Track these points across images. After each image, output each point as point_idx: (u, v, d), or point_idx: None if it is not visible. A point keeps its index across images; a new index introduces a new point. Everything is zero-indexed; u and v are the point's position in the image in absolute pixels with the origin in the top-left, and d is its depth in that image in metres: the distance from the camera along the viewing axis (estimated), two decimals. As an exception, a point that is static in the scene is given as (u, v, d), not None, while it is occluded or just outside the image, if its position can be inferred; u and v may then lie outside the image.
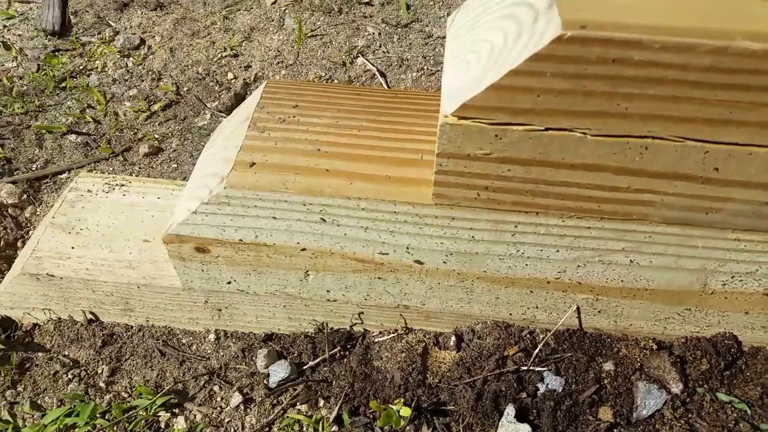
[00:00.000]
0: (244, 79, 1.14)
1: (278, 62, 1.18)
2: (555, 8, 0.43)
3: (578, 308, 0.65)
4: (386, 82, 1.10)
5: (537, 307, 0.66)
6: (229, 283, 0.67)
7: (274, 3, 1.27)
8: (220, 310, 0.72)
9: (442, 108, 0.49)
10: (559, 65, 0.43)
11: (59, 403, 0.72)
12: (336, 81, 1.14)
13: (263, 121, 0.63)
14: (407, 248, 0.59)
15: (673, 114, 0.45)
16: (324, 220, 0.58)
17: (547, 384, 0.64)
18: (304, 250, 0.61)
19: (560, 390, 0.64)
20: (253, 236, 0.60)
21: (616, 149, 0.48)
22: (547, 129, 0.47)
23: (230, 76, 1.15)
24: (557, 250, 0.58)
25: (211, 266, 0.65)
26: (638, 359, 0.66)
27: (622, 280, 0.61)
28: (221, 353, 0.75)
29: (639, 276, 0.60)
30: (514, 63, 0.44)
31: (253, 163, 0.58)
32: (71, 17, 1.26)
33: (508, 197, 0.53)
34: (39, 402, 0.73)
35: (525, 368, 0.65)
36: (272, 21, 1.27)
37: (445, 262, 0.61)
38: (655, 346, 0.67)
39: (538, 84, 0.44)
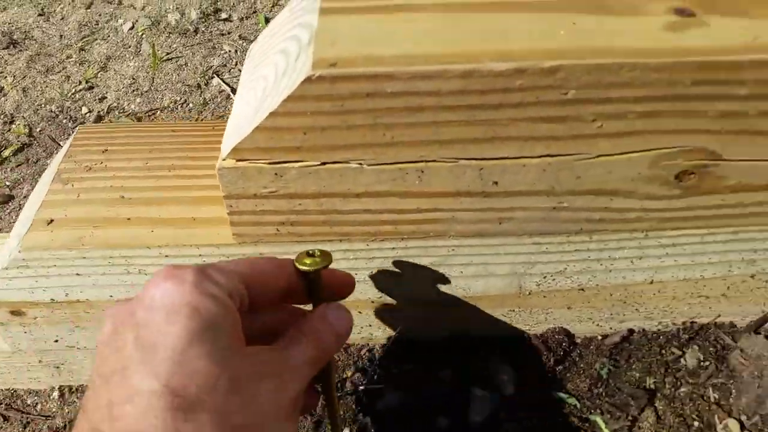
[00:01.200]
0: (98, 113, 1.11)
1: (133, 90, 1.15)
2: (311, 45, 0.44)
3: (411, 321, 0.66)
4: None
5: (371, 325, 0.67)
6: (56, 341, 0.65)
7: (131, 29, 1.24)
8: (58, 367, 0.70)
9: (221, 150, 0.48)
10: (316, 104, 0.43)
11: None
12: (191, 104, 1.12)
13: (68, 172, 0.61)
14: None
15: (439, 138, 0.46)
16: (129, 272, 0.57)
17: (386, 400, 0.65)
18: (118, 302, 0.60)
19: (398, 404, 0.65)
20: (63, 294, 0.59)
21: (394, 176, 0.49)
22: (323, 164, 0.48)
23: (84, 110, 1.12)
24: (371, 271, 0.59)
25: (33, 327, 0.63)
26: (473, 365, 0.68)
27: (434, 290, 0.62)
28: (66, 410, 0.73)
29: (454, 286, 0.61)
30: (273, 105, 0.44)
31: (51, 221, 0.56)
32: None
33: (307, 229, 0.54)
34: None
35: (362, 388, 0.66)
36: (129, 48, 1.24)
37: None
38: (490, 349, 0.69)
39: (300, 123, 0.45)
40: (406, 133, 0.45)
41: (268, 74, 0.47)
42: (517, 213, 0.53)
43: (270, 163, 0.47)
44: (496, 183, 0.50)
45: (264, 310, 0.45)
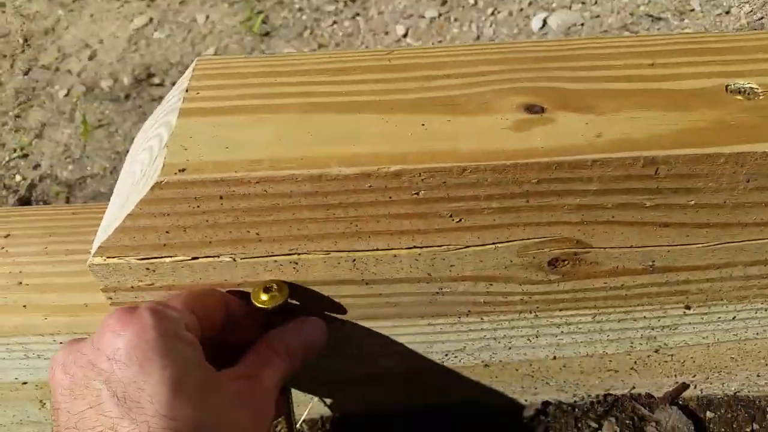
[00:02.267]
0: (31, 180, 1.13)
1: (66, 158, 1.17)
2: (165, 148, 0.44)
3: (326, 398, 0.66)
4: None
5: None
6: (-30, 419, 0.66)
7: (66, 95, 1.26)
8: (-21, 441, 0.70)
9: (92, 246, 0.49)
10: (172, 206, 0.44)
11: None
12: (120, 172, 1.14)
13: (-26, 257, 0.62)
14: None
15: (306, 233, 0.47)
16: (28, 357, 0.57)
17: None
18: (25, 383, 0.61)
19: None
20: (-34, 377, 0.59)
21: (270, 267, 0.49)
22: (194, 258, 0.48)
23: (18, 178, 1.14)
24: (272, 353, 0.59)
25: (-56, 407, 0.64)
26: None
27: (340, 369, 0.62)
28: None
29: (358, 363, 0.61)
30: (131, 206, 0.45)
31: (-51, 308, 0.57)
32: None
33: (197, 316, 0.54)
34: None
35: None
36: (64, 114, 1.27)
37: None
38: (407, 424, 0.68)
39: (161, 223, 0.45)
40: (271, 230, 0.46)
41: (136, 170, 0.48)
42: (402, 298, 0.53)
43: (140, 259, 0.48)
44: (373, 272, 0.50)
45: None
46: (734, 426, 0.69)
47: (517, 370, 0.63)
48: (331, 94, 0.48)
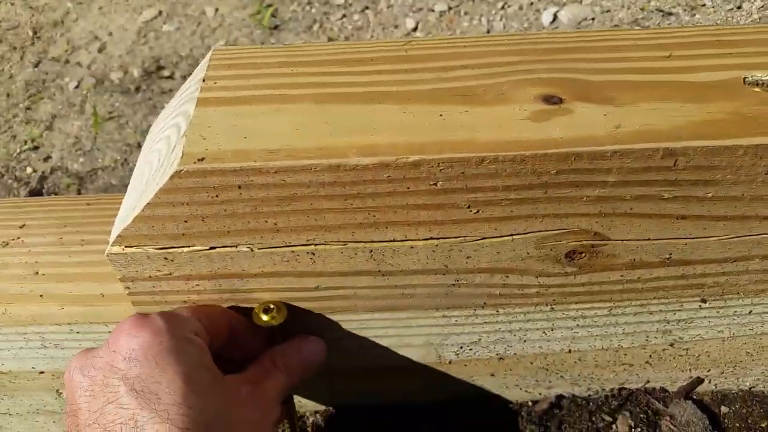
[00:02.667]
0: (42, 172, 1.13)
1: (77, 150, 1.18)
2: (184, 138, 0.44)
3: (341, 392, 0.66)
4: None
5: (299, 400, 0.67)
6: (-14, 408, 0.66)
7: (76, 87, 1.26)
8: (-6, 431, 0.71)
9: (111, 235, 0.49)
10: (190, 195, 0.44)
11: None
12: (131, 164, 1.14)
13: (-10, 247, 0.62)
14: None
15: (323, 224, 0.47)
16: (45, 347, 0.57)
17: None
18: (42, 372, 0.61)
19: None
20: (-17, 366, 0.60)
21: (287, 257, 0.49)
22: (211, 248, 0.48)
23: (29, 170, 1.14)
24: (286, 344, 0.59)
25: (-39, 396, 0.64)
26: (401, 432, 0.68)
27: (356, 362, 0.62)
28: (4, 473, 0.74)
29: (374, 355, 0.61)
30: (150, 195, 0.45)
31: (-31, 297, 0.57)
32: None
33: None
34: None
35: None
36: (74, 106, 1.27)
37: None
38: (420, 417, 0.69)
39: (180, 212, 0.45)
40: (289, 220, 0.46)
41: (153, 160, 0.48)
42: (418, 289, 0.53)
43: (158, 249, 0.48)
44: (388, 263, 0.50)
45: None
46: (749, 421, 0.69)
47: (531, 363, 0.63)
48: (347, 85, 0.48)
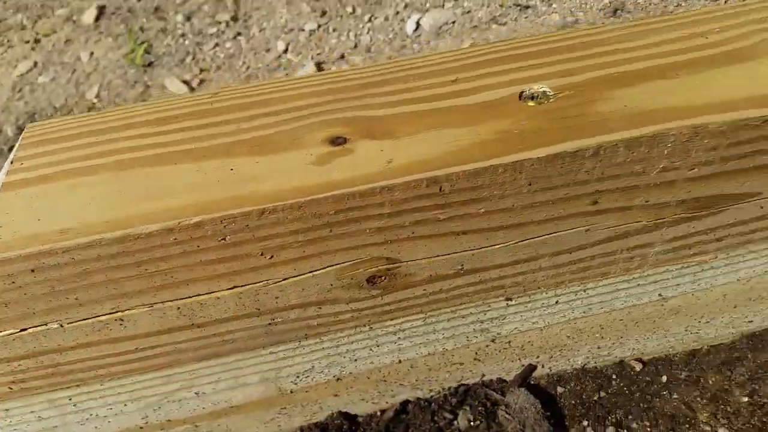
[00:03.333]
0: None
1: None
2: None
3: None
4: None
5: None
6: None
7: None
8: None
9: None
10: (-15, 285, 0.45)
11: None
12: None
13: None
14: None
15: (122, 291, 0.48)
16: None
17: None
18: None
19: None
20: None
21: (98, 327, 0.51)
22: (22, 330, 0.49)
23: None
24: (125, 405, 0.60)
25: None
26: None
27: (203, 408, 0.63)
28: None
29: (216, 400, 0.63)
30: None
31: None
32: None
33: (40, 382, 0.54)
34: None
35: None
36: None
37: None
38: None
39: (-23, 302, 0.46)
40: (89, 293, 0.47)
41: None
42: (237, 334, 0.55)
43: (-35, 338, 0.48)
44: (201, 316, 0.52)
45: None
46: (583, 396, 0.74)
47: (368, 377, 0.66)
48: (149, 147, 0.50)
